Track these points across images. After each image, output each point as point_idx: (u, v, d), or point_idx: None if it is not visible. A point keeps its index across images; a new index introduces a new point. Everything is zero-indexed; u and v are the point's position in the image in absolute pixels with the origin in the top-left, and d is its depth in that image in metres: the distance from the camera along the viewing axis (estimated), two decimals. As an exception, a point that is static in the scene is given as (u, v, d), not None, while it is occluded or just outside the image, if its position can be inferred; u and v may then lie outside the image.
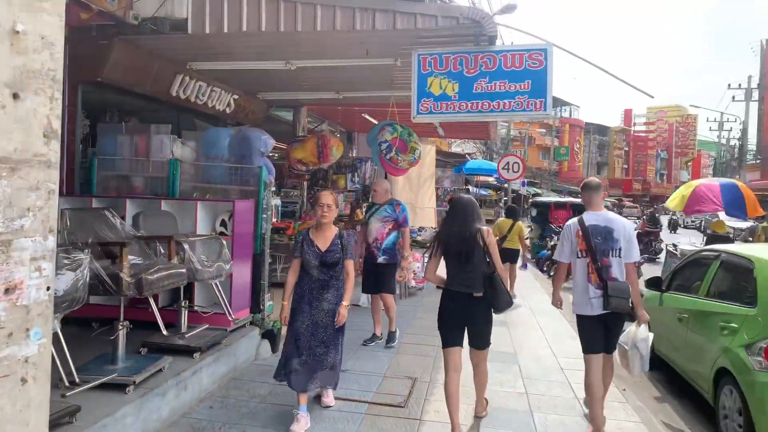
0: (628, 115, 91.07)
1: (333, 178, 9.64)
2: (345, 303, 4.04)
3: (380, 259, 6.02)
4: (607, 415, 4.23)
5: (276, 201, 5.84)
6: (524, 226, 10.43)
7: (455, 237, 3.91)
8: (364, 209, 9.43)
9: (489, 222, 7.22)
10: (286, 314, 4.02)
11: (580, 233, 4.06)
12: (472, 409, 4.34)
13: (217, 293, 4.84)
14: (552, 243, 13.28)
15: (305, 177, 9.48)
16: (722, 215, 10.78)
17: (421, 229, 10.84)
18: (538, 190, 48.80)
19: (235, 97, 8.51)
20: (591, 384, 4.02)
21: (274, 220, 5.83)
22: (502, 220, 9.71)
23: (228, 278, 4.99)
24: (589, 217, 4.11)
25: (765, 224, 10.24)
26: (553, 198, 17.84)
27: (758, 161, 40.69)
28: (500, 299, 3.85)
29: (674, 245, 11.40)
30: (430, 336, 6.62)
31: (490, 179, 23.71)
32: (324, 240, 4.06)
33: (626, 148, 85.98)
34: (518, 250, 9.22)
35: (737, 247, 5.06)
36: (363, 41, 5.63)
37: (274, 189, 6.01)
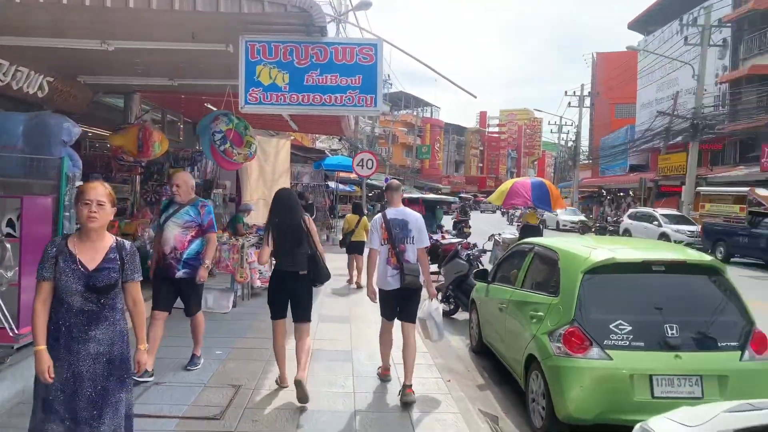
0: (483, 117, 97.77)
1: (170, 172, 8.93)
2: (142, 346, 2.98)
3: (179, 273, 4.93)
4: (429, 407, 4.55)
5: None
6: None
7: (286, 226, 4.64)
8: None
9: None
10: (47, 365, 2.68)
11: (383, 225, 4.87)
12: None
13: (-2, 304, 4.14)
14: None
15: (138, 170, 8.69)
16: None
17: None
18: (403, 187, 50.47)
19: (49, 79, 7.50)
20: (384, 339, 5.07)
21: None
22: (350, 215, 10.61)
23: (14, 288, 4.30)
24: (390, 212, 4.97)
25: (530, 211, 11.61)
26: (405, 195, 18.36)
27: (590, 161, 45.58)
28: (321, 273, 4.74)
29: (499, 234, 12.54)
30: (267, 338, 6.36)
31: (353, 176, 23.87)
32: (92, 253, 2.81)
33: (481, 148, 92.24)
34: (364, 242, 9.34)
35: (547, 240, 5.45)
36: (183, 23, 5.20)
37: (80, 183, 5.29)
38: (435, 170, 75.06)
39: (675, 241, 20.81)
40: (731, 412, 2.46)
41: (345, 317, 7.75)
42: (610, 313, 4.13)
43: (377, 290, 4.97)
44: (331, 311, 8.07)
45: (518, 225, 12.02)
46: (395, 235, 4.83)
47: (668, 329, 4.02)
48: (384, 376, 5.17)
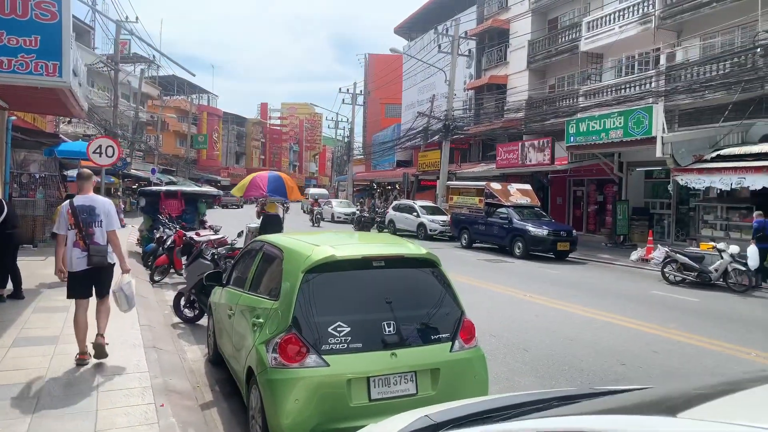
0: (264, 108, 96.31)
1: None
2: None
3: None
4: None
5: None
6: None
7: None
8: None
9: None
10: None
11: (70, 212, 5.33)
12: None
13: None
14: (159, 234, 12.24)
15: None
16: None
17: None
18: (173, 178, 46.69)
19: None
20: (78, 320, 5.35)
21: None
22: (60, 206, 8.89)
23: None
24: (79, 199, 5.43)
25: (269, 202, 12.13)
26: (164, 187, 16.71)
27: (363, 156, 47.98)
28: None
29: (246, 226, 12.90)
30: None
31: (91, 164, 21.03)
32: None
33: (263, 140, 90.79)
34: None
35: (276, 237, 5.03)
36: None
37: None
38: (213, 161, 71.47)
39: (430, 230, 22.84)
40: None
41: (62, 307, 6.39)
42: (330, 315, 3.85)
43: (66, 272, 5.37)
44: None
45: (258, 213, 12.67)
46: (83, 219, 5.32)
47: (385, 326, 3.89)
48: (81, 360, 5.31)
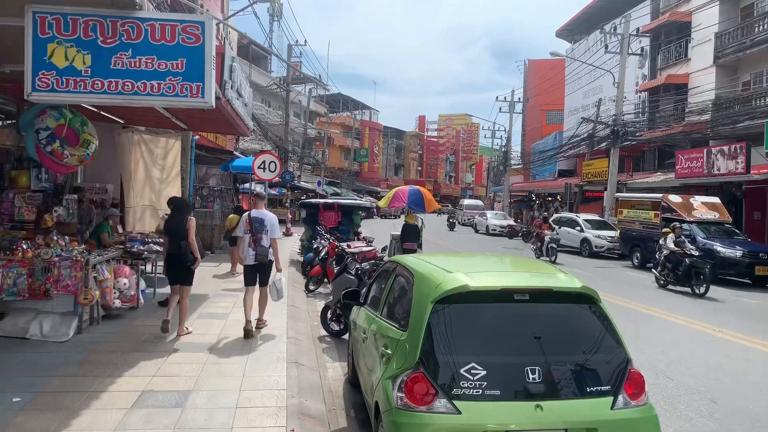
0: (422, 121, 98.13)
1: (11, 175, 7.60)
2: None
3: None
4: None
5: None
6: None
7: (173, 224, 6.96)
8: (55, 214, 7.66)
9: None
10: None
11: (248, 221, 7.22)
12: None
13: None
14: (316, 245, 12.71)
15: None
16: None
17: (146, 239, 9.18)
18: (338, 190, 49.44)
19: None
20: (246, 300, 7.11)
21: None
22: (232, 215, 11.83)
23: None
24: (254, 213, 7.35)
25: (409, 213, 13.34)
26: (323, 200, 17.43)
27: (521, 166, 46.18)
28: (186, 256, 6.87)
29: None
30: (92, 376, 5.29)
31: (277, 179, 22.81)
32: None
33: (420, 152, 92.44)
34: None
35: (411, 259, 4.62)
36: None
37: None
38: (374, 173, 74.46)
39: (596, 247, 20.89)
40: None
41: (207, 343, 6.73)
42: (462, 354, 3.35)
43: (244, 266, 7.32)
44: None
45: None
46: (255, 228, 7.18)
47: (529, 373, 3.29)
48: (247, 334, 6.93)
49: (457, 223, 39.96)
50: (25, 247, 6.51)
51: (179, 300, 6.93)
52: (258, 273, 7.24)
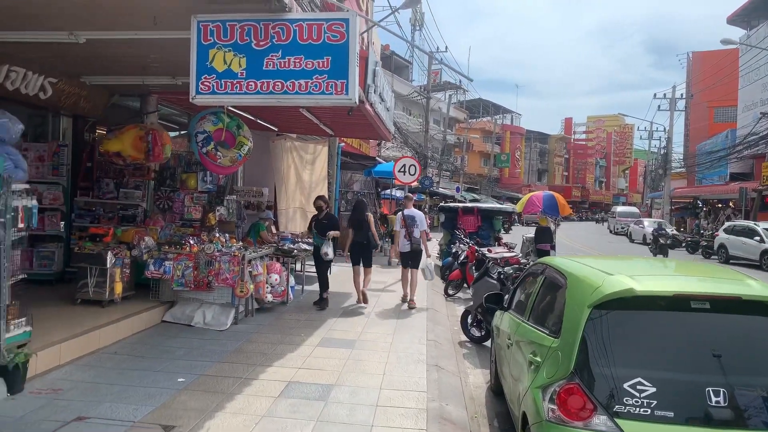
0: (568, 123, 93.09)
1: (182, 177, 8.46)
2: None
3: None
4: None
5: (26, 202, 4.62)
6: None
7: (356, 219, 8.94)
8: (218, 213, 8.33)
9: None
10: None
11: (403, 218, 9.04)
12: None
13: None
14: (455, 249, 12.54)
15: (151, 175, 8.31)
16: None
17: (296, 239, 9.71)
18: (477, 196, 48.70)
19: (52, 80, 7.27)
20: (407, 279, 8.98)
21: (21, 224, 4.59)
22: (391, 216, 14.17)
23: None
24: (407, 211, 9.19)
25: (542, 216, 13.34)
26: (461, 204, 17.13)
27: (684, 169, 41.73)
28: (372, 242, 8.98)
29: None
30: (248, 364, 5.60)
31: (415, 184, 23.18)
32: None
33: (566, 156, 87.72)
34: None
35: (561, 260, 4.20)
36: (139, 4, 4.60)
37: (26, 186, 4.79)
38: (515, 179, 72.21)
39: (779, 260, 18.08)
40: None
41: (351, 340, 6.83)
42: (626, 367, 2.93)
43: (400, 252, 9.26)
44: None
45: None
46: (408, 223, 8.99)
47: (711, 394, 2.77)
48: (403, 299, 9.05)
49: (609, 231, 37.12)
50: (192, 242, 7.17)
51: (363, 280, 8.79)
52: (411, 258, 8.98)
